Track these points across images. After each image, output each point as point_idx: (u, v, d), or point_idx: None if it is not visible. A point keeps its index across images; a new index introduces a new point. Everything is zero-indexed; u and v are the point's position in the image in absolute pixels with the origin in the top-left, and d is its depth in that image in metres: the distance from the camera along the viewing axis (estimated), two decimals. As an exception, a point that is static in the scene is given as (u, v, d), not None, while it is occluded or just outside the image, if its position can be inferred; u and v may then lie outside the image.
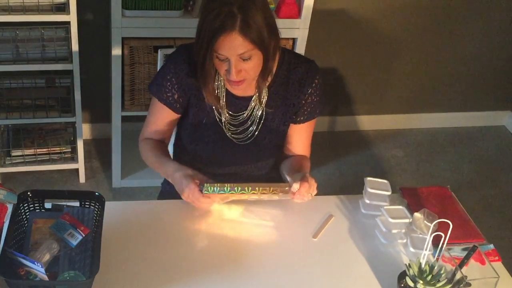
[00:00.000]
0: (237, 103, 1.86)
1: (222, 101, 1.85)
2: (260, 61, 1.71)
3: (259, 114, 1.87)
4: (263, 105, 1.86)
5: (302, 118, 1.91)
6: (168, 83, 1.84)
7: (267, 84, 1.84)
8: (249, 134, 1.89)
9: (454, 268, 1.57)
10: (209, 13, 1.64)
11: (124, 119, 3.03)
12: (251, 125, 1.88)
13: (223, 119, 1.86)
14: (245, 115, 1.87)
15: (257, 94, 1.83)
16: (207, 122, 1.87)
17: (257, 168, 1.94)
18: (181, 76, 1.83)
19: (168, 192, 2.07)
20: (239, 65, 1.68)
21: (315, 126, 1.98)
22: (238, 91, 1.84)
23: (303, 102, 1.89)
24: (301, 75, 1.87)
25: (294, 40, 2.93)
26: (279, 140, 1.94)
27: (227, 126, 1.87)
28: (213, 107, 1.85)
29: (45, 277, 1.44)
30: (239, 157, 1.91)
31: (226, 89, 1.85)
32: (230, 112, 1.86)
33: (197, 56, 1.73)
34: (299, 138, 1.95)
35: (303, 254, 1.71)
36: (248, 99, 1.86)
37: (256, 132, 1.88)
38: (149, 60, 2.90)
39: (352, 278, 1.66)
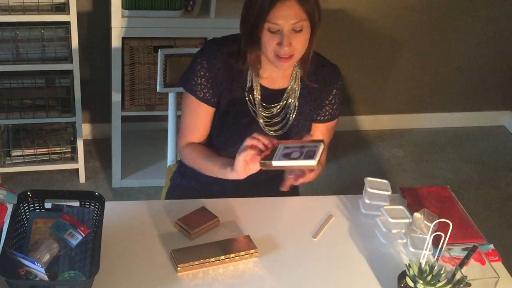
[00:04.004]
0: (270, 96, 1.88)
1: (257, 94, 1.86)
2: (308, 36, 1.76)
3: (293, 106, 1.90)
4: (297, 95, 1.88)
5: (322, 117, 1.96)
6: (203, 79, 1.85)
7: (299, 76, 1.87)
8: (282, 126, 1.91)
9: (454, 268, 1.57)
10: None
11: (124, 119, 3.04)
12: (284, 117, 1.90)
13: (257, 111, 1.88)
14: (278, 107, 1.89)
15: (302, 70, 1.86)
16: (239, 113, 1.88)
17: None
18: (214, 71, 1.84)
19: (179, 185, 2.07)
20: (291, 37, 1.71)
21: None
22: (269, 82, 1.86)
23: (327, 102, 1.93)
24: (327, 74, 1.91)
25: (294, 40, 2.93)
26: (305, 136, 1.95)
27: (261, 117, 1.89)
28: (246, 99, 1.87)
29: (45, 277, 1.44)
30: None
31: (260, 84, 1.87)
32: (263, 104, 1.88)
33: (247, 33, 1.74)
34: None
35: (303, 254, 1.71)
36: (282, 92, 1.89)
37: (289, 125, 1.91)
38: (149, 60, 2.90)
39: (352, 278, 1.66)
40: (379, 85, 3.70)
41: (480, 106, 3.93)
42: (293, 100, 1.90)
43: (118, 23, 2.73)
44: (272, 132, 1.91)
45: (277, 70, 1.84)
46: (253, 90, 1.87)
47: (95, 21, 3.08)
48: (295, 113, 1.91)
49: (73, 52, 2.74)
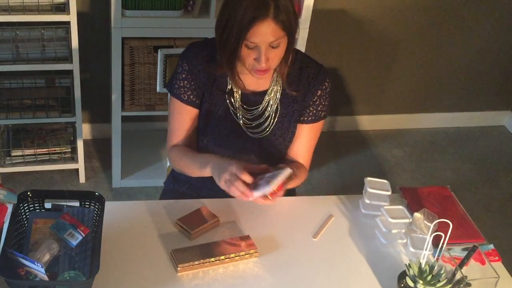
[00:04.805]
0: (251, 98, 1.88)
1: (237, 96, 1.86)
2: (284, 48, 1.75)
3: (275, 108, 1.89)
4: (279, 97, 1.88)
5: (306, 118, 1.93)
6: (185, 82, 1.86)
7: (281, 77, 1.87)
8: (264, 128, 1.90)
9: (454, 268, 1.57)
10: (239, 2, 1.67)
11: (124, 119, 3.04)
12: (266, 119, 1.90)
13: (238, 113, 1.88)
14: (259, 109, 1.89)
15: (280, 81, 1.86)
16: (221, 115, 1.88)
17: (269, 163, 1.93)
18: (194, 73, 1.85)
19: (171, 190, 2.07)
20: (268, 53, 1.71)
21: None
22: (249, 85, 1.86)
23: (311, 102, 1.91)
24: (312, 75, 1.89)
25: (294, 40, 2.93)
26: (290, 137, 1.95)
27: (242, 120, 1.89)
28: (227, 101, 1.87)
29: (45, 277, 1.44)
30: (252, 151, 1.92)
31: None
32: (244, 106, 1.88)
33: (223, 48, 1.74)
34: (302, 140, 1.96)
35: (303, 254, 1.71)
36: (262, 94, 1.88)
37: (272, 126, 1.90)
38: (149, 60, 2.90)
39: (352, 278, 1.66)
40: (379, 85, 3.70)
41: (480, 106, 3.93)
42: (274, 102, 1.89)
43: (118, 23, 2.73)
44: (254, 135, 1.90)
45: None
46: (233, 93, 1.87)
47: (95, 21, 3.08)
48: (277, 115, 1.90)
49: (73, 52, 2.74)
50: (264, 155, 1.93)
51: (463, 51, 3.67)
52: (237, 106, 1.87)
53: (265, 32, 1.67)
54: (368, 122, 3.79)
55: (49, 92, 2.91)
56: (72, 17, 2.67)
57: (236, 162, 1.69)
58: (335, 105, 3.68)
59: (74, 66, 2.77)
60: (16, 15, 2.65)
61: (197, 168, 1.82)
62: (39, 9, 2.67)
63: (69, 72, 2.85)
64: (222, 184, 1.68)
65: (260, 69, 1.74)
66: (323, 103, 1.92)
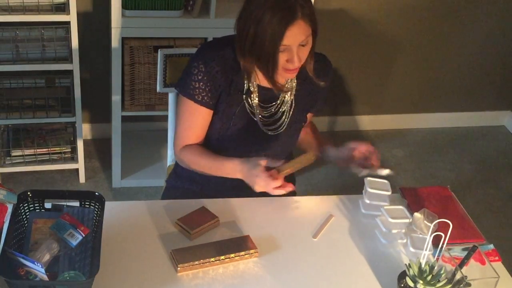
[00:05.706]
0: (268, 95, 1.89)
1: (254, 95, 1.88)
2: (310, 46, 1.79)
3: (289, 103, 1.92)
4: (294, 93, 1.92)
5: (317, 108, 2.02)
6: (201, 83, 1.85)
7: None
8: (280, 124, 1.93)
9: (454, 268, 1.57)
10: (263, 12, 1.68)
11: (124, 119, 3.04)
12: (282, 115, 1.92)
13: (255, 112, 1.89)
14: (276, 106, 1.91)
15: (307, 70, 1.89)
16: (238, 115, 1.89)
17: (282, 156, 1.95)
18: (212, 74, 1.84)
19: (174, 187, 2.07)
20: (299, 52, 1.75)
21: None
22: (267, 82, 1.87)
23: (326, 92, 1.99)
24: (320, 68, 1.92)
25: (294, 40, 2.93)
26: (301, 127, 2.00)
27: (259, 118, 1.90)
28: (244, 101, 1.88)
29: (45, 277, 1.44)
30: (268, 147, 1.94)
31: (258, 84, 1.89)
32: (262, 104, 1.90)
33: (259, 58, 1.75)
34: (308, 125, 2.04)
35: (303, 254, 1.71)
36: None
37: (287, 122, 1.93)
38: (149, 60, 2.90)
39: (352, 278, 1.66)
40: (379, 85, 3.70)
41: (480, 106, 3.93)
42: (289, 97, 1.91)
43: (118, 23, 2.73)
44: (270, 132, 1.92)
45: None
46: (251, 93, 1.87)
47: (95, 21, 3.08)
48: (291, 110, 1.92)
49: (73, 52, 2.74)
50: (280, 150, 1.96)
51: (463, 51, 3.67)
52: (254, 105, 1.88)
53: (296, 33, 1.70)
54: (368, 122, 3.79)
55: (49, 92, 2.91)
56: (72, 17, 2.67)
57: (256, 171, 1.73)
58: (335, 105, 3.68)
59: (74, 66, 2.77)
60: (16, 15, 2.65)
61: (220, 174, 1.86)
62: (39, 9, 2.68)
63: (69, 72, 2.85)
64: (262, 190, 1.75)
65: (292, 69, 1.77)
66: (327, 89, 2.00)
